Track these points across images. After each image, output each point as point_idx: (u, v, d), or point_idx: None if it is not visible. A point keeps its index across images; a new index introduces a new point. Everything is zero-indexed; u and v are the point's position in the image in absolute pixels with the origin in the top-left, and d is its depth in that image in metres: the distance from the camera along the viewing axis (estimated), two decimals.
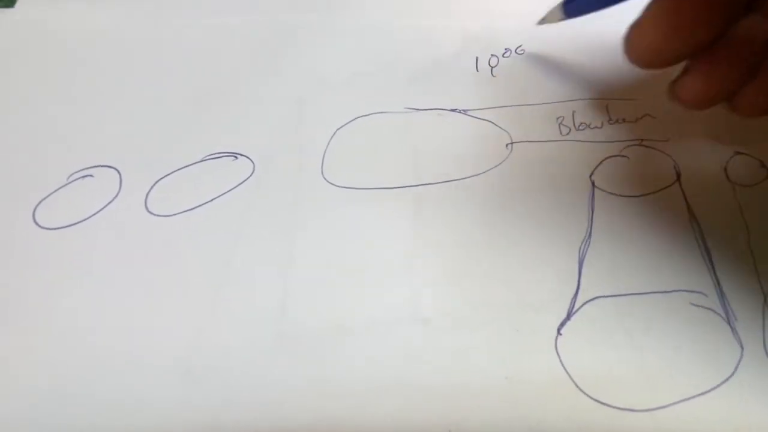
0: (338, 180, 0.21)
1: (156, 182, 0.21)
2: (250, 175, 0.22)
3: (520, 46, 0.25)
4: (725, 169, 0.21)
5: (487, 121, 0.23)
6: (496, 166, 0.22)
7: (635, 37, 0.20)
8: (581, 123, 0.23)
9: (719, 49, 0.20)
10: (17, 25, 0.26)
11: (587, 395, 0.17)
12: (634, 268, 0.19)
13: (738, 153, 0.22)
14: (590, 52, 0.24)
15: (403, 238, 0.20)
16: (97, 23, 0.26)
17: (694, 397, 0.17)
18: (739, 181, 0.21)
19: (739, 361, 0.18)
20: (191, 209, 0.21)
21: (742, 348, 0.18)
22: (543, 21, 0.23)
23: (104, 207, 0.21)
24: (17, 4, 0.27)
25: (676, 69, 0.19)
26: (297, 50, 0.25)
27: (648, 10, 0.19)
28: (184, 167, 0.22)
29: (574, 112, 0.23)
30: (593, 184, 0.21)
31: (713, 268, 0.19)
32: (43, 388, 0.17)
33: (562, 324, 0.18)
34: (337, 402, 0.17)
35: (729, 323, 0.18)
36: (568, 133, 0.22)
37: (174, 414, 0.17)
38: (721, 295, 0.19)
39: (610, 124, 0.22)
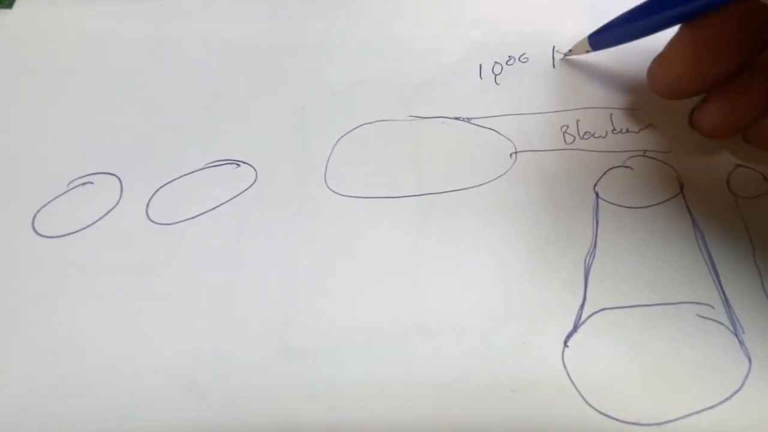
0: (341, 188, 0.21)
1: (157, 190, 0.21)
2: (253, 183, 0.21)
3: (524, 54, 0.25)
4: (728, 182, 0.21)
5: (491, 129, 0.23)
6: (500, 176, 0.22)
7: (658, 69, 0.20)
8: (585, 132, 0.23)
9: (739, 81, 0.20)
10: (15, 27, 0.25)
11: (594, 408, 0.17)
12: (639, 279, 0.19)
13: (740, 166, 0.22)
14: (595, 59, 0.24)
15: (407, 248, 0.20)
16: (97, 28, 0.25)
17: (701, 411, 0.17)
18: (742, 193, 0.21)
19: (747, 374, 0.17)
20: (193, 217, 0.20)
21: (750, 361, 0.18)
22: (569, 53, 0.24)
23: (105, 215, 0.20)
24: (15, 6, 0.26)
25: None
26: (300, 58, 0.25)
27: (671, 43, 0.20)
28: (186, 175, 0.21)
29: (578, 120, 0.23)
30: (597, 195, 0.21)
31: (719, 279, 0.19)
32: (43, 400, 0.17)
33: (569, 336, 0.18)
34: (341, 412, 0.17)
35: (736, 336, 0.18)
36: (572, 142, 0.22)
37: (178, 425, 0.17)
38: (728, 307, 0.19)
39: (614, 133, 0.22)
